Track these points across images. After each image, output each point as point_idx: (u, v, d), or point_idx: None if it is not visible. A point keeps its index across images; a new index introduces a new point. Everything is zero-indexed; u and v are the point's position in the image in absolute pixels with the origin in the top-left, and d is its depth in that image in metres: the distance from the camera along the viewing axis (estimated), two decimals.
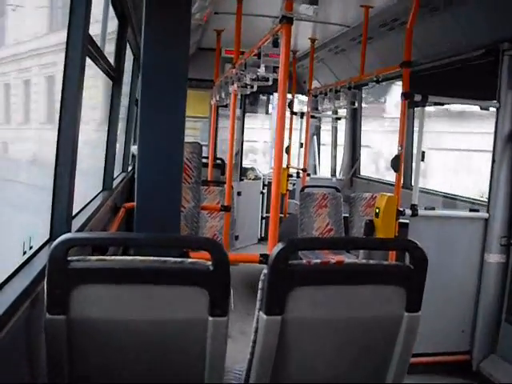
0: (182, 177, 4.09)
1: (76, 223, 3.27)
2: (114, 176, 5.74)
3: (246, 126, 10.02)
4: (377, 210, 4.96)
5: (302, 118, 9.13)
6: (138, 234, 3.33)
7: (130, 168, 7.52)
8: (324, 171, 10.83)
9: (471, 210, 5.42)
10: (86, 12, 2.85)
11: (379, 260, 2.20)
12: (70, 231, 2.93)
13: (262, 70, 4.13)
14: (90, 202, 4.29)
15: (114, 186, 5.26)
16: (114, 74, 4.83)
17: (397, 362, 2.22)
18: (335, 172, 10.22)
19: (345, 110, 9.15)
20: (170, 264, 1.96)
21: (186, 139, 4.11)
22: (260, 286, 2.06)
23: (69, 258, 1.92)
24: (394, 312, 2.14)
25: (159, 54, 3.77)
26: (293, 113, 9.14)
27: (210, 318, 1.99)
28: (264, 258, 3.89)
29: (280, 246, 2.00)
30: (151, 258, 1.97)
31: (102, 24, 4.29)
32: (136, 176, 3.99)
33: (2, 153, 3.09)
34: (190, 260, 1.98)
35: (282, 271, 2.00)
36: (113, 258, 1.98)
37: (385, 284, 2.12)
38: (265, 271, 2.04)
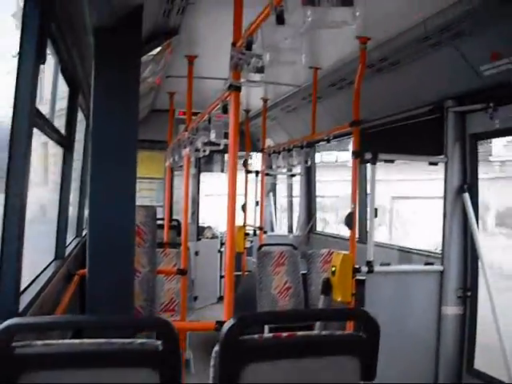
0: (134, 241, 4.03)
1: (25, 298, 3.18)
2: (68, 242, 5.63)
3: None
4: (333, 269, 4.97)
5: (257, 175, 9.19)
6: (86, 317, 3.23)
7: (84, 232, 7.40)
8: (281, 228, 10.88)
9: (426, 264, 5.48)
10: (32, 86, 2.84)
11: (338, 325, 2.19)
12: (17, 309, 2.85)
13: (212, 137, 4.16)
14: (42, 272, 4.19)
15: (66, 254, 5.15)
16: (64, 141, 4.81)
17: None
18: (292, 229, 10.26)
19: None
20: (119, 346, 1.91)
21: (142, 200, 4.07)
22: (212, 362, 2.01)
23: (13, 344, 1.85)
24: (350, 382, 2.11)
25: (109, 119, 3.76)
26: (247, 171, 9.18)
27: None
28: (220, 326, 3.80)
29: (231, 322, 1.97)
30: (100, 340, 1.91)
31: (52, 94, 4.28)
32: (87, 243, 3.91)
33: None
34: (139, 340, 1.92)
35: (233, 348, 1.96)
36: (60, 342, 1.92)
37: (338, 355, 2.10)
38: (216, 348, 1.99)
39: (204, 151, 5.23)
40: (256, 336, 2.01)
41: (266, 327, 5.92)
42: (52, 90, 4.35)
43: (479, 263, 5.15)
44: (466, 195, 5.19)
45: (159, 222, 7.37)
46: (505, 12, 3.84)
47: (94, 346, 1.90)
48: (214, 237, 9.96)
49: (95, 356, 1.89)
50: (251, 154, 9.69)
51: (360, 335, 2.11)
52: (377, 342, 2.11)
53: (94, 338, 1.95)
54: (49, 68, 4.20)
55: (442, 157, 5.34)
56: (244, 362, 1.97)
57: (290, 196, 10.47)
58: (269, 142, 9.21)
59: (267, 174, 9.03)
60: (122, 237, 3.82)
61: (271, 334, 2.03)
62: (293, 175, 9.58)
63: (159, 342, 1.92)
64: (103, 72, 3.76)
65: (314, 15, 2.18)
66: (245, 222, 8.95)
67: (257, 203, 9.10)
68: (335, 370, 2.09)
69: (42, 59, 2.91)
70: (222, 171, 10.88)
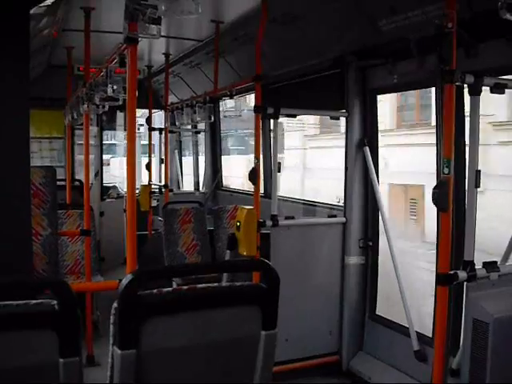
0: (30, 203, 3.88)
1: None
2: None
3: None
4: (238, 224, 5.00)
5: (160, 133, 9.03)
6: None
7: None
8: (187, 185, 10.82)
9: (329, 216, 5.62)
10: None
11: (245, 277, 2.20)
12: None
13: (109, 91, 4.03)
14: None
15: None
16: None
17: (259, 378, 2.22)
18: (198, 186, 10.23)
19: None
20: (13, 308, 1.83)
21: (43, 161, 3.90)
22: (112, 320, 1.97)
23: None
24: (252, 332, 2.13)
25: None
26: (151, 129, 8.99)
27: (61, 360, 1.88)
28: None
29: (129, 277, 1.93)
30: None
31: None
32: None
33: None
34: (34, 301, 1.85)
35: (132, 303, 1.93)
36: None
37: (240, 305, 2.11)
38: (115, 305, 1.95)
39: (103, 107, 5.06)
40: (155, 290, 1.99)
41: (175, 284, 5.93)
42: None
43: (379, 214, 5.34)
44: (367, 149, 5.32)
45: (61, 182, 7.15)
46: None
47: None
48: (119, 196, 9.76)
49: None
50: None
51: (261, 285, 2.14)
52: (277, 291, 2.13)
53: None
54: None
55: (343, 111, 5.44)
56: (144, 317, 1.94)
57: (196, 153, 10.41)
58: (172, 99, 9.05)
59: (171, 132, 8.90)
60: (16, 199, 3.66)
61: (171, 288, 2.02)
62: (197, 132, 9.49)
63: (55, 302, 1.86)
64: None
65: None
66: (150, 181, 8.82)
67: (161, 161, 8.97)
68: (237, 320, 2.10)
69: None
70: (125, 129, 10.59)
